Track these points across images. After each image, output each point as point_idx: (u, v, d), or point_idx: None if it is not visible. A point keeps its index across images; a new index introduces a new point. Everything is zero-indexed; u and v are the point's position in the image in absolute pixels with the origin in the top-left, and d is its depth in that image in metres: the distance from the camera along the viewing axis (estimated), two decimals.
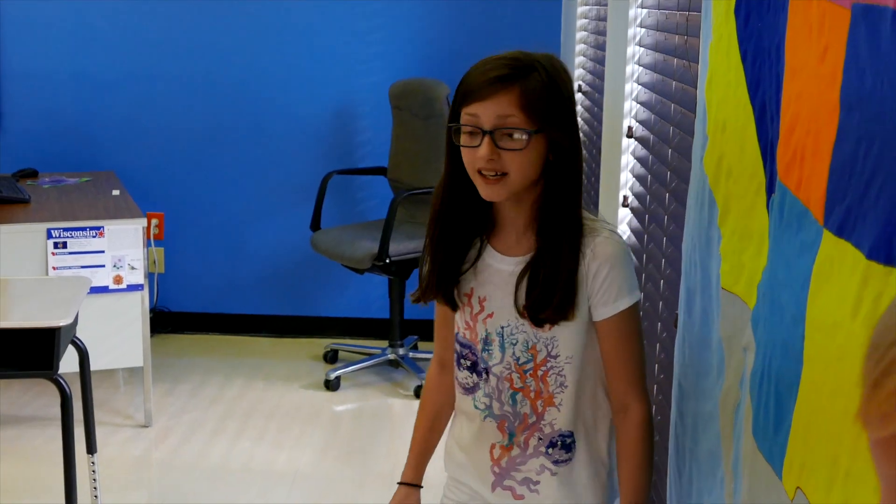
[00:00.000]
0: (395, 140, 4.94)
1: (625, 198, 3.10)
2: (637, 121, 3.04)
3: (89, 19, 5.16)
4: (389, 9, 5.06)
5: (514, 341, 1.91)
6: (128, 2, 5.11)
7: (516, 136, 1.80)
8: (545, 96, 1.81)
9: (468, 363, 1.99)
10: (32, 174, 4.98)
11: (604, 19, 3.90)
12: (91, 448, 3.29)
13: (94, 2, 5.13)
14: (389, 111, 4.97)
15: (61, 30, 5.18)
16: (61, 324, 2.80)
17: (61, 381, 2.82)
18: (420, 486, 2.24)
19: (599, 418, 1.97)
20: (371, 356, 4.87)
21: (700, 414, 1.87)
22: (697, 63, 2.19)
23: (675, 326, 2.21)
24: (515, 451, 1.98)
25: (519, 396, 1.94)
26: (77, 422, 3.00)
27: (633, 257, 1.84)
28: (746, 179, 1.54)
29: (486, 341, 1.94)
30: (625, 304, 1.86)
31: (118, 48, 5.16)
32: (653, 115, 2.84)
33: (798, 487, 1.19)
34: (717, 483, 1.75)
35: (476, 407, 2.00)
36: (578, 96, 4.44)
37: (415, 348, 5.00)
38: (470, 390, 2.00)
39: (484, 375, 1.97)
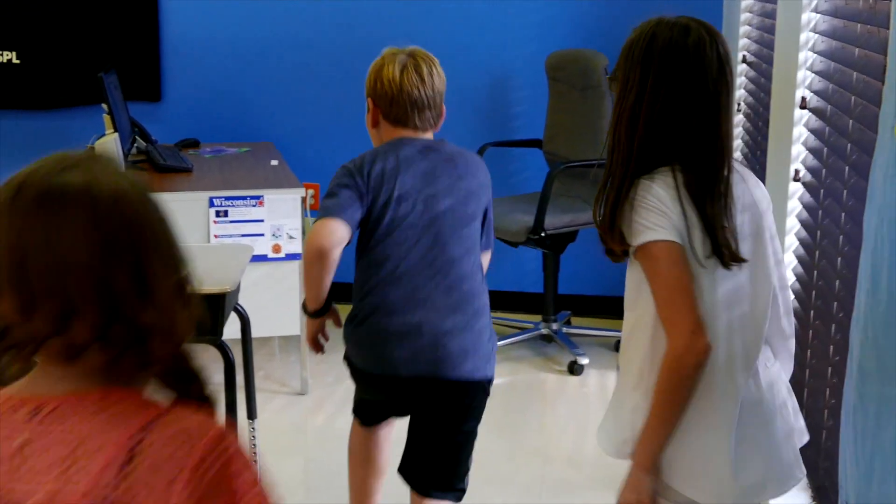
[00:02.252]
0: (552, 112, 4.87)
1: (796, 172, 2.98)
2: (812, 91, 2.91)
3: None
4: None
5: None
6: None
7: None
8: (623, 54, 2.02)
9: None
10: (194, 144, 5.08)
11: None
12: (251, 414, 3.34)
13: None
14: (546, 82, 4.90)
15: (221, 0, 5.26)
16: (227, 290, 2.84)
17: (226, 346, 2.86)
18: None
19: (634, 359, 2.05)
20: (524, 330, 4.83)
21: (885, 398, 1.77)
22: (887, 28, 2.07)
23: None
24: None
25: None
26: (237, 388, 3.04)
27: (654, 201, 1.96)
28: None
29: None
30: (633, 242, 1.96)
31: (277, 18, 5.21)
32: (830, 85, 2.72)
33: None
34: None
35: None
36: (742, 67, 4.30)
37: (568, 323, 4.94)
38: None
39: None
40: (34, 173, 1.22)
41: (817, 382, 2.66)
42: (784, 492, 2.15)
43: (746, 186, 2.06)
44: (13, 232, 1.18)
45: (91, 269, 1.18)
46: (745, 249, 1.99)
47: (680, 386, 1.92)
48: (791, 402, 2.12)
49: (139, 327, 1.20)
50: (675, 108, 1.95)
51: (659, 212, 1.94)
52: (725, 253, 1.96)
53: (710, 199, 1.96)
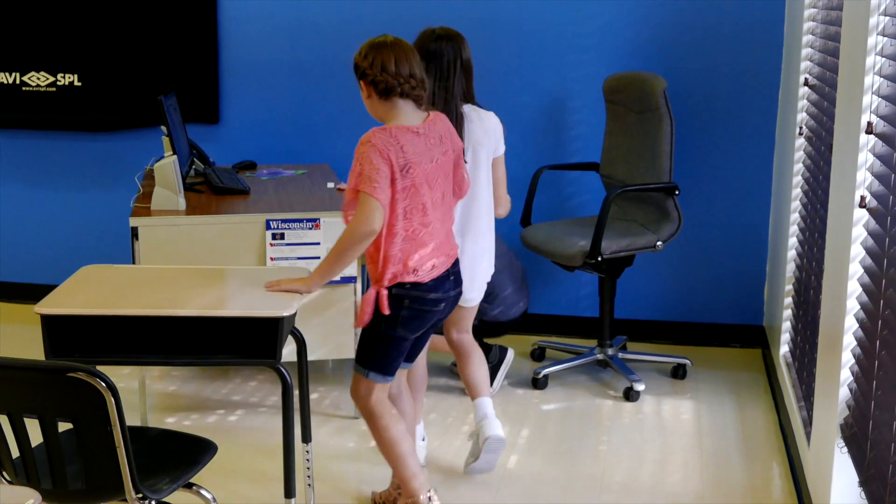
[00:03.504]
0: (609, 135, 4.83)
1: (862, 198, 2.92)
2: (878, 116, 2.85)
3: (306, 12, 5.26)
4: (603, 0, 4.96)
5: None
6: None
7: None
8: None
9: None
10: (251, 166, 5.11)
11: (836, 8, 3.70)
12: (306, 437, 3.33)
13: None
14: (603, 105, 4.87)
15: (279, 23, 5.30)
16: (285, 314, 2.84)
17: (283, 370, 2.85)
18: None
19: None
20: (579, 355, 4.79)
21: None
22: None
23: None
24: None
25: None
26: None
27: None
28: None
29: None
30: None
31: (334, 41, 5.24)
32: None
33: None
34: None
35: None
36: (804, 90, 4.24)
37: (624, 348, 4.89)
38: None
39: None
40: (397, 40, 3.20)
41: (884, 415, 2.60)
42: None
43: (472, 126, 3.61)
44: (405, 57, 3.13)
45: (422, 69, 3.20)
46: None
47: None
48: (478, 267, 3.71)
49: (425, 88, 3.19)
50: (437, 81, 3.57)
51: None
52: None
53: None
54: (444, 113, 3.42)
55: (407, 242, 3.11)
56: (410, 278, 3.13)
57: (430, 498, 3.31)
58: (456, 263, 3.29)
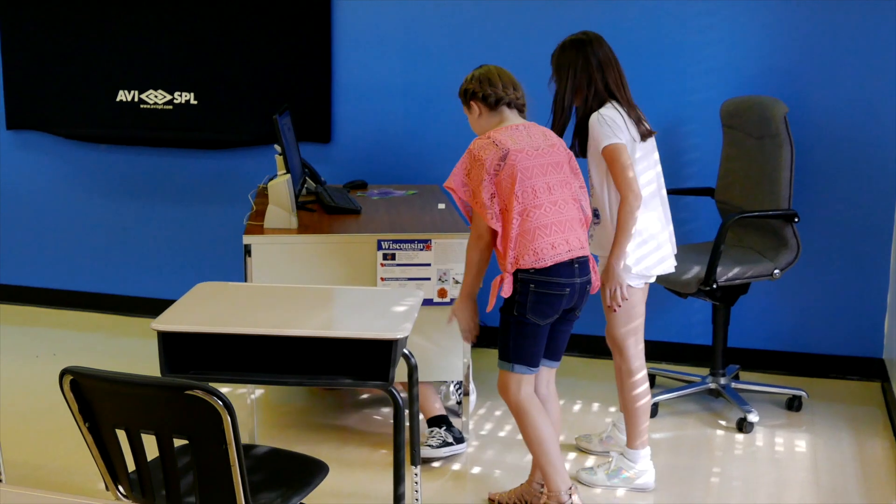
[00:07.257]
0: (725, 160, 4.73)
1: None
2: None
3: (418, 36, 5.27)
4: (724, 24, 4.86)
5: None
6: (455, 20, 5.19)
7: None
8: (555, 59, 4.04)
9: None
10: (362, 185, 5.13)
11: None
12: (415, 460, 3.31)
13: (425, 17, 5.24)
14: (720, 130, 4.77)
15: (392, 45, 5.32)
16: (399, 336, 2.82)
17: (396, 393, 2.83)
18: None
19: None
20: (691, 384, 4.68)
21: None
22: None
23: None
24: None
25: None
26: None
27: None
28: None
29: None
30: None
31: (444, 63, 5.24)
32: None
33: None
34: None
35: None
36: None
37: (736, 378, 4.77)
38: None
39: None
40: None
41: None
42: None
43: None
44: (505, 74, 3.56)
45: None
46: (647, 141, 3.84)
47: None
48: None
49: None
50: (595, 79, 3.80)
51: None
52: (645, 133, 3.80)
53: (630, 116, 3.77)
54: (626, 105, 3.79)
55: (522, 224, 3.27)
56: (531, 260, 3.27)
57: (570, 495, 3.41)
58: (584, 255, 3.38)
